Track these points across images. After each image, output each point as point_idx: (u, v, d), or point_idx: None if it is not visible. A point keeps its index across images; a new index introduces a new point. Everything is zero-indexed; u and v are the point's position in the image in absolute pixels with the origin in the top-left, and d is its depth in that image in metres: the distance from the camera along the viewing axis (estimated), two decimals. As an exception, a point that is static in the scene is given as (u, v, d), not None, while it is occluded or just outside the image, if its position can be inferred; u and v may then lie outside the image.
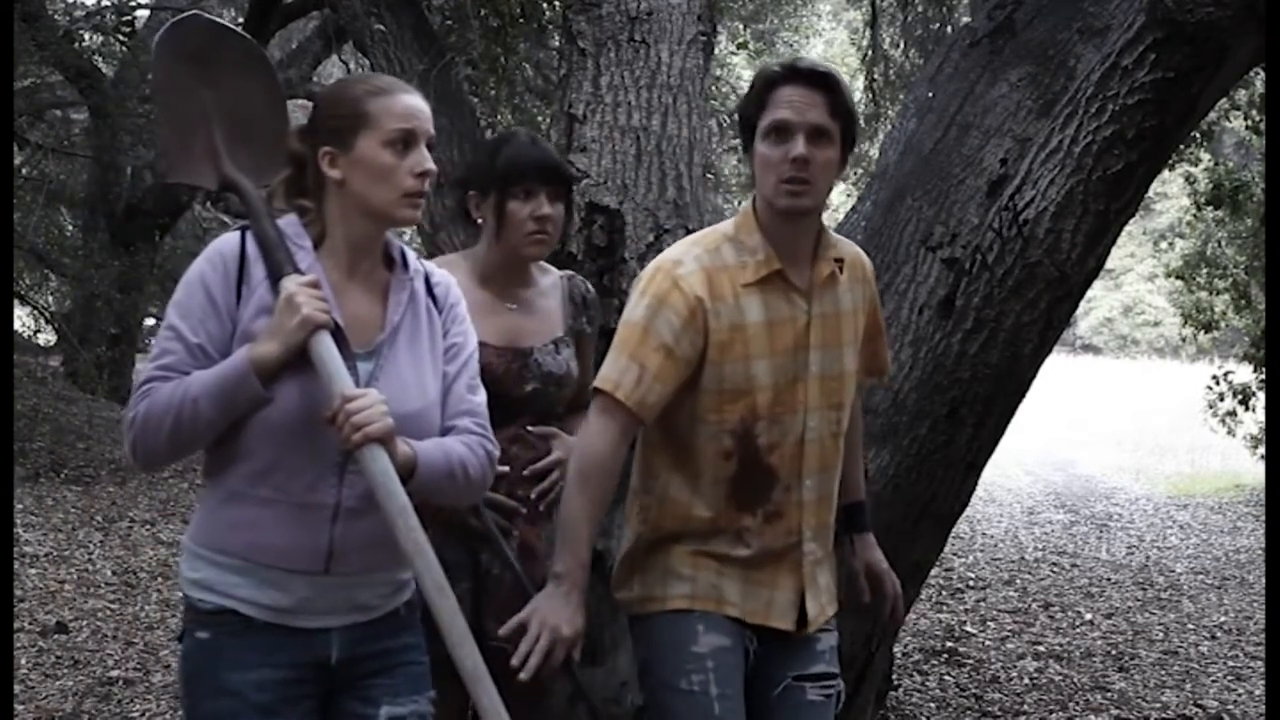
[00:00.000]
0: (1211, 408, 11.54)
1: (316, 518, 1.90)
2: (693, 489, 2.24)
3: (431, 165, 1.97)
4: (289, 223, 1.99)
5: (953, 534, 2.80)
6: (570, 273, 2.74)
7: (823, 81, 2.15)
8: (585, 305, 2.67)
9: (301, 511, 1.90)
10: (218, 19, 2.17)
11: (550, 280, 2.65)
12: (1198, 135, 8.50)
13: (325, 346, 1.86)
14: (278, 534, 1.89)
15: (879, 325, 2.45)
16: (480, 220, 2.56)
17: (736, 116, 2.34)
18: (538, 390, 2.52)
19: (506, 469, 2.46)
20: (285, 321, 1.85)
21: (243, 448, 1.89)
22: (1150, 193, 4.14)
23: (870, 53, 9.45)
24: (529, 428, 2.53)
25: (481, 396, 2.09)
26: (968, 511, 5.09)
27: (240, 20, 10.06)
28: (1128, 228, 3.28)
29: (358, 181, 1.94)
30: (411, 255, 2.09)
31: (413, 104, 1.97)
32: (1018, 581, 7.42)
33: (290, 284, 1.87)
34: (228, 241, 1.95)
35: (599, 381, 2.20)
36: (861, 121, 2.26)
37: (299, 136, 2.03)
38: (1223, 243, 11.33)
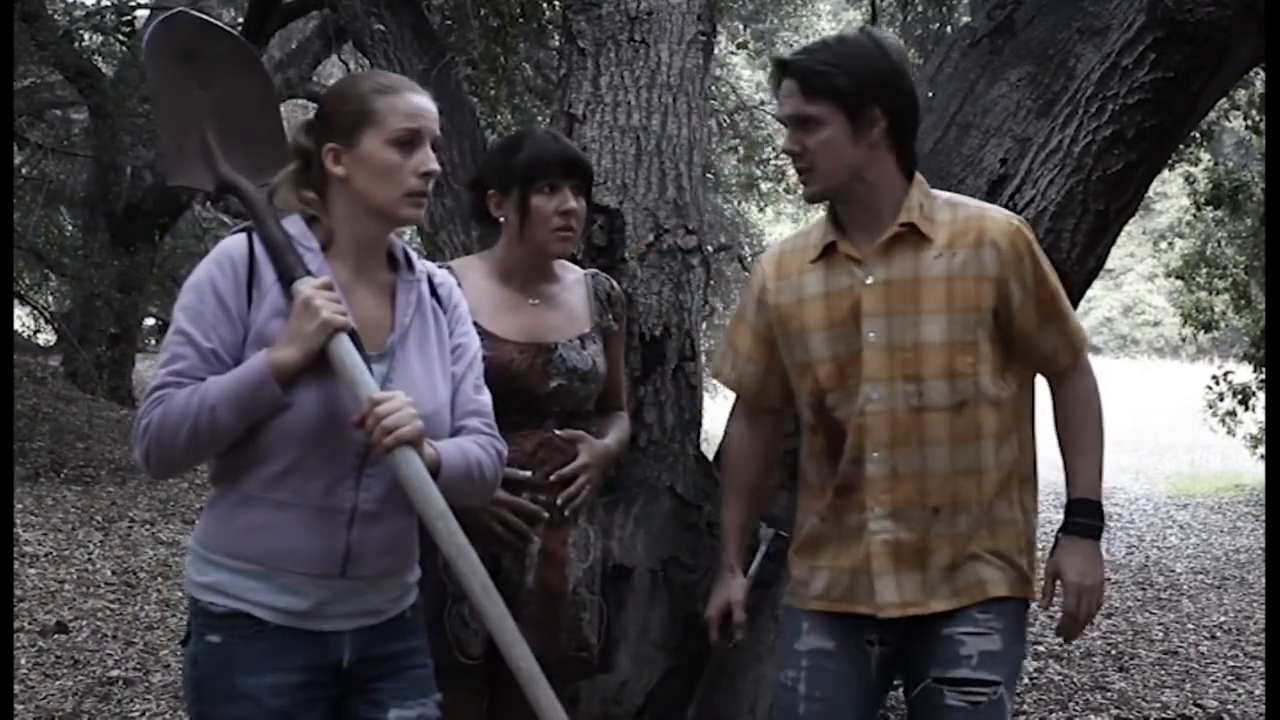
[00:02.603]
0: (1211, 408, 11.52)
1: (334, 521, 1.89)
2: (810, 469, 2.33)
3: (435, 165, 1.96)
4: (292, 222, 1.96)
5: (952, 534, 2.82)
6: (595, 270, 2.72)
7: (786, 70, 2.20)
8: (610, 302, 2.64)
9: (319, 515, 1.88)
10: (204, 15, 2.14)
11: (574, 277, 2.63)
12: (1198, 135, 8.48)
13: (346, 349, 1.84)
14: (296, 538, 1.87)
15: (1046, 295, 2.21)
16: (502, 219, 2.52)
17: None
18: (562, 386, 2.47)
19: (529, 474, 2.42)
20: (304, 325, 1.83)
21: (258, 452, 1.87)
22: (1150, 193, 4.14)
23: (870, 53, 9.41)
24: (556, 430, 2.48)
25: (487, 396, 2.08)
26: (968, 511, 5.07)
27: (240, 20, 10.05)
28: (1128, 228, 3.28)
29: (360, 179, 1.93)
30: (414, 256, 2.07)
31: (419, 103, 1.96)
32: (1018, 581, 7.41)
33: (306, 287, 1.85)
34: (235, 244, 1.93)
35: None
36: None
37: (305, 132, 2.01)
38: (1222, 243, 11.31)
